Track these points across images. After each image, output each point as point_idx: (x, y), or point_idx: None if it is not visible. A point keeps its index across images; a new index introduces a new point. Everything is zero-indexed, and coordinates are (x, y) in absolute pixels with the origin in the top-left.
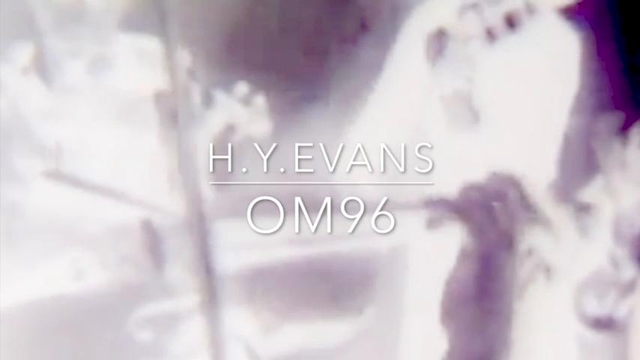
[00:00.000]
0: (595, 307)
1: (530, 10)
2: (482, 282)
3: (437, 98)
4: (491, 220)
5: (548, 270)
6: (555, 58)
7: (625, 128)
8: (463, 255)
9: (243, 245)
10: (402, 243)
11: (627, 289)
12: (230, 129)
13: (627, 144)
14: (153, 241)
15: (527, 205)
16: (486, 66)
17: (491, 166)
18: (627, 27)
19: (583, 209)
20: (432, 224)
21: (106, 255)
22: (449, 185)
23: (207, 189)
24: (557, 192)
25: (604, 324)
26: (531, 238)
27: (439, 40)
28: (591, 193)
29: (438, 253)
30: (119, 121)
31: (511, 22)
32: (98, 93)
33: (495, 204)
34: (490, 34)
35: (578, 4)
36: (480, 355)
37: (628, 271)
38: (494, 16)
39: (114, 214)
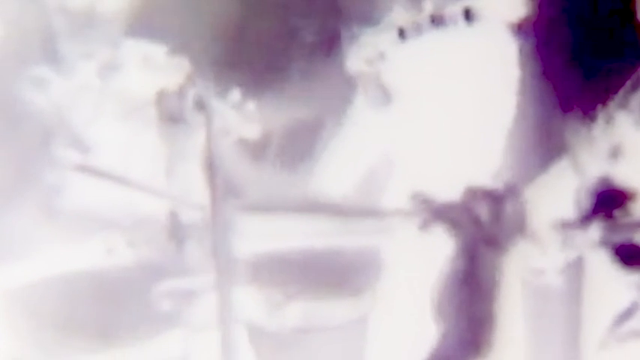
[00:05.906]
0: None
1: (469, 16)
2: (468, 273)
3: None
4: (475, 224)
5: None
6: (493, 63)
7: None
8: (453, 252)
9: (257, 235)
10: (395, 240)
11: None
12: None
13: (593, 126)
14: (176, 230)
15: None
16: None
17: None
18: (578, 38)
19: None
20: (422, 227)
21: (133, 237)
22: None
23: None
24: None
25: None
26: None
27: None
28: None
29: (429, 249)
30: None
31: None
32: (106, 93)
33: (478, 209)
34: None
35: (528, 19)
36: (468, 332)
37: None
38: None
39: (141, 203)
